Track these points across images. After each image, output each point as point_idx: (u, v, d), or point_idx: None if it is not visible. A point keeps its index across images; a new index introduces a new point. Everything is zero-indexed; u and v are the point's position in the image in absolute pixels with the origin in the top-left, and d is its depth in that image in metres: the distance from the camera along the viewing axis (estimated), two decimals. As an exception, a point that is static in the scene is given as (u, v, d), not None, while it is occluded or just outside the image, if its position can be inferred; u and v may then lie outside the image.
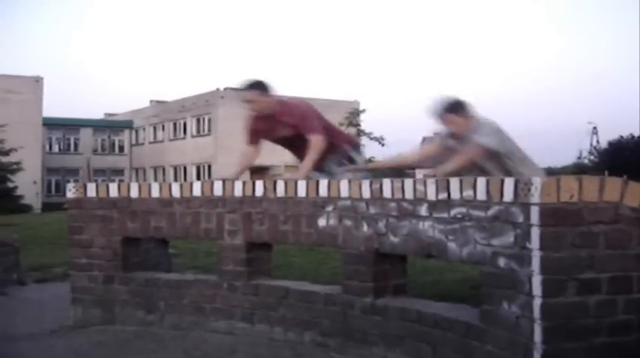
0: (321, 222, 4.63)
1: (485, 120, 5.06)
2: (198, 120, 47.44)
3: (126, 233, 5.50)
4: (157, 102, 52.94)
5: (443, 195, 3.86)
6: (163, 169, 50.16)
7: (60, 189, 45.18)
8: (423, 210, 3.99)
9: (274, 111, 5.68)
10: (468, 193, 3.69)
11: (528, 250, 3.29)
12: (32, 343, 5.06)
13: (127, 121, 53.90)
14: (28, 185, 37.98)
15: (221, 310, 5.14)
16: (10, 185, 35.38)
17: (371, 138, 39.41)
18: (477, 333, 3.66)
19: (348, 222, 4.48)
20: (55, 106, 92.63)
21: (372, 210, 4.32)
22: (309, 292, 4.83)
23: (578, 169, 46.32)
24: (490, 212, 3.55)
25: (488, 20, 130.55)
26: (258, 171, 26.70)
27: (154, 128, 51.62)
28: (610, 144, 50.76)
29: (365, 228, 4.37)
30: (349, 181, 4.55)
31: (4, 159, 35.52)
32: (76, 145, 51.76)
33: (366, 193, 4.36)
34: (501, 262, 3.48)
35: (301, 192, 4.73)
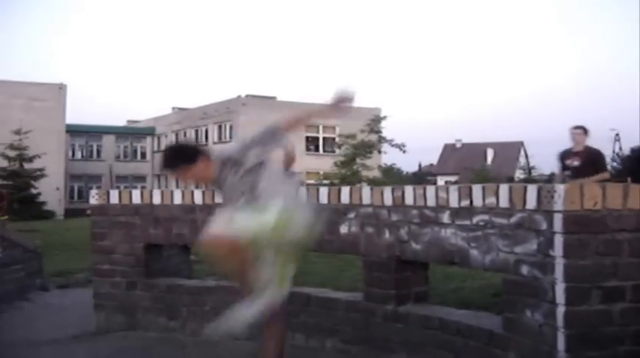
0: (343, 229, 4.63)
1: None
2: (219, 126, 47.58)
3: (148, 239, 5.53)
4: (179, 109, 53.24)
5: (465, 203, 3.84)
6: (185, 176, 50.22)
7: (82, 195, 45.44)
8: (446, 218, 3.98)
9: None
10: (491, 200, 3.67)
11: (551, 258, 3.27)
12: (54, 349, 5.11)
13: (150, 128, 54.18)
14: (51, 191, 38.23)
15: (242, 317, 5.13)
16: (34, 191, 35.70)
17: (392, 145, 39.23)
18: (500, 341, 3.64)
19: (369, 229, 4.47)
20: (78, 113, 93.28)
21: (394, 217, 4.32)
22: (330, 299, 4.83)
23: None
24: (513, 219, 3.53)
25: (509, 26, 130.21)
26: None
27: (176, 135, 51.81)
28: (632, 150, 50.18)
29: (387, 235, 4.37)
30: (371, 188, 4.54)
31: (28, 166, 35.89)
32: (98, 152, 52.08)
33: (388, 200, 4.35)
34: (524, 270, 3.46)
35: (323, 198, 4.74)
